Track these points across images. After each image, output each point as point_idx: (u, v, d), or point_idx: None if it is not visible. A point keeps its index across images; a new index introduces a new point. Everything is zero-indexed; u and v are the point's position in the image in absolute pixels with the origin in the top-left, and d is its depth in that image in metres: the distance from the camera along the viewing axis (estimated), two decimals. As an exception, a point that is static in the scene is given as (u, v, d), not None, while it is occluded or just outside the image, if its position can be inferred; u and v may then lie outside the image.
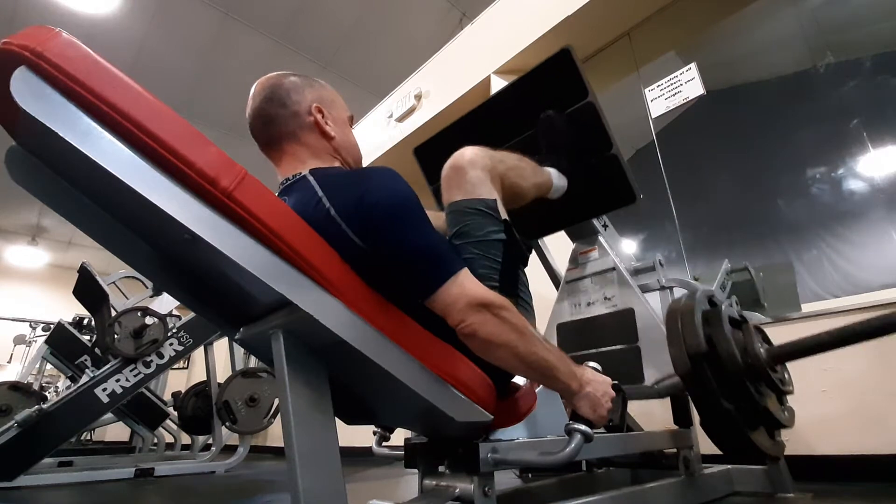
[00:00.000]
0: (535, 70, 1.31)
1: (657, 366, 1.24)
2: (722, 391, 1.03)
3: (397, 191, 0.75)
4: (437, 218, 1.10)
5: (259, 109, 0.89)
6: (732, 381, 1.03)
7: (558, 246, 1.70)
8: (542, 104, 1.29)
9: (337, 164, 0.92)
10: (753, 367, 1.04)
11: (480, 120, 1.46)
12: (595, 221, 1.47)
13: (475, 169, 0.89)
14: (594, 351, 1.36)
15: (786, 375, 1.16)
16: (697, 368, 1.04)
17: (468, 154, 0.91)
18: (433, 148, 1.55)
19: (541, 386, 1.07)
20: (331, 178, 0.81)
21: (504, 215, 0.90)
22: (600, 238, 1.47)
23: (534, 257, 1.58)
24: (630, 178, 1.29)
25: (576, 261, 1.51)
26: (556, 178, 1.21)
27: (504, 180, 0.96)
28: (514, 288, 0.89)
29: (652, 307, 1.32)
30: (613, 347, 1.33)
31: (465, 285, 0.73)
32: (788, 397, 1.18)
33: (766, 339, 1.15)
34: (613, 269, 1.40)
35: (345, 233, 0.72)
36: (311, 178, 0.80)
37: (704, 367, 1.03)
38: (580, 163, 1.28)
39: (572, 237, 1.55)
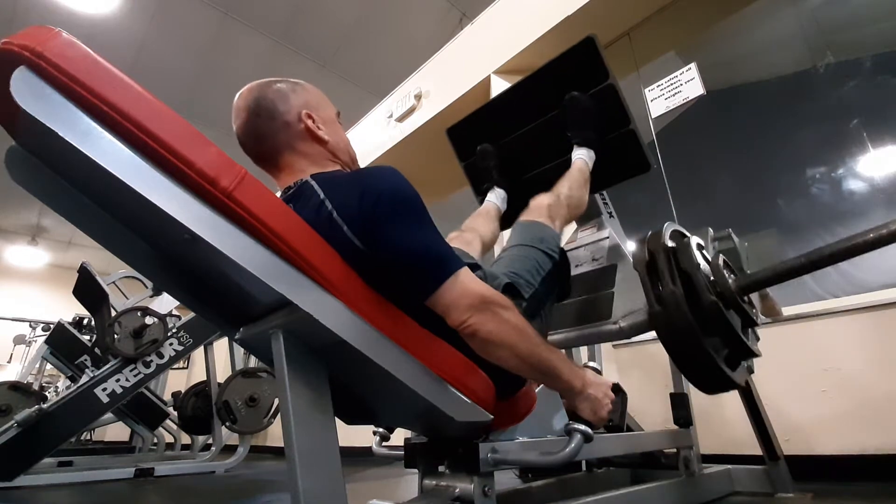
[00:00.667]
0: (561, 56, 1.41)
1: (627, 306, 1.23)
2: (693, 318, 0.99)
3: (398, 189, 0.74)
4: (479, 217, 1.43)
5: (247, 125, 0.87)
6: (702, 308, 1.00)
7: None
8: (567, 87, 1.40)
9: (336, 167, 0.91)
10: (724, 296, 1.01)
11: (508, 103, 1.57)
12: (602, 208, 1.54)
13: (547, 215, 1.19)
14: (568, 301, 1.36)
15: (754, 308, 1.15)
16: (668, 298, 1.00)
17: (545, 200, 1.21)
18: (465, 129, 1.67)
19: (541, 386, 1.07)
20: (332, 180, 0.80)
21: (562, 244, 1.14)
22: (602, 217, 1.52)
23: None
24: (645, 150, 1.40)
25: (575, 238, 1.57)
26: (588, 160, 1.37)
27: (568, 217, 1.26)
28: (542, 302, 1.02)
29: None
30: (587, 296, 1.35)
31: (466, 283, 0.73)
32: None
33: (732, 271, 1.13)
34: (607, 237, 1.46)
35: (346, 234, 0.72)
36: (313, 183, 0.80)
37: (674, 296, 1.00)
38: (603, 136, 1.41)
39: (578, 222, 1.60)
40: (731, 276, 1.07)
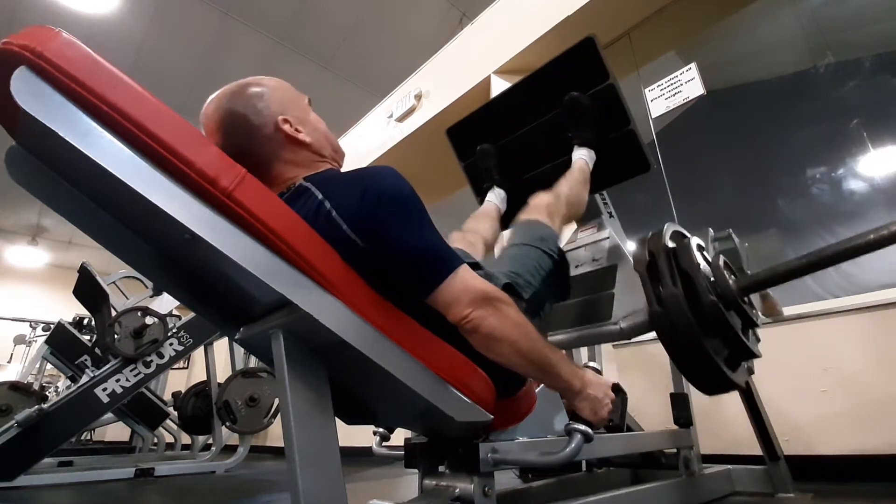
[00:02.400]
0: (561, 56, 1.42)
1: (627, 307, 1.23)
2: (693, 320, 0.99)
3: (398, 188, 0.74)
4: (479, 218, 1.42)
5: (225, 143, 0.81)
6: (703, 309, 0.99)
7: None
8: (567, 87, 1.40)
9: (326, 165, 0.89)
10: (725, 297, 1.01)
11: (508, 103, 1.57)
12: (602, 209, 1.54)
13: (546, 214, 1.18)
14: (568, 301, 1.35)
15: (755, 310, 1.15)
16: (668, 299, 1.00)
17: (545, 199, 1.20)
18: (465, 129, 1.68)
19: (541, 386, 1.07)
20: (329, 181, 0.80)
21: (561, 243, 1.14)
22: (602, 218, 1.52)
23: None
24: (645, 150, 1.40)
25: (574, 238, 1.57)
26: (588, 160, 1.37)
27: (568, 216, 1.26)
28: (542, 302, 1.02)
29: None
30: (587, 297, 1.35)
31: (468, 280, 0.73)
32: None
33: (733, 271, 1.13)
34: (607, 237, 1.46)
35: (346, 233, 0.72)
36: (308, 184, 0.79)
37: (676, 297, 0.99)
38: (603, 137, 1.40)
39: (578, 222, 1.60)
40: (732, 276, 1.07)
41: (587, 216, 1.56)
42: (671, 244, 1.10)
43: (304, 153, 0.86)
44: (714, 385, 1.05)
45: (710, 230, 1.65)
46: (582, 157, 1.37)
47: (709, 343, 1.00)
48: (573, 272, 1.46)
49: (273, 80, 0.89)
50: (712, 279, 1.05)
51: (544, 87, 1.47)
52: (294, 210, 0.75)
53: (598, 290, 1.34)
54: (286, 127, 0.84)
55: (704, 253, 1.12)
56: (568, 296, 1.24)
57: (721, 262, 1.08)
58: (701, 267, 1.04)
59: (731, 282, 1.03)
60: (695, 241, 1.11)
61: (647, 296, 1.05)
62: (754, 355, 1.09)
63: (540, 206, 1.21)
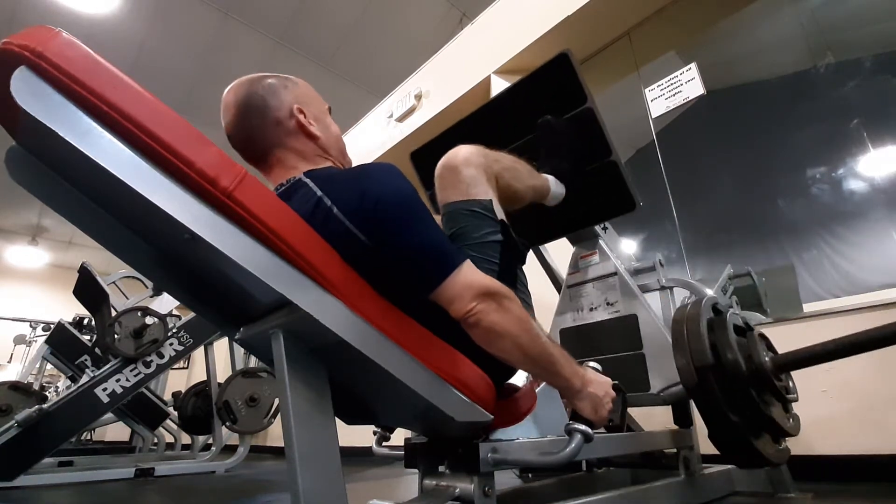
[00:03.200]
0: (534, 74, 1.30)
1: (662, 373, 1.24)
2: (727, 400, 1.03)
3: (399, 186, 0.75)
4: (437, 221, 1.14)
5: (237, 124, 0.85)
6: (737, 389, 1.03)
7: (558, 248, 1.71)
8: (541, 109, 1.27)
9: (328, 164, 0.90)
10: (758, 376, 1.04)
11: (478, 124, 1.44)
12: (595, 225, 1.47)
13: (469, 167, 0.88)
14: (599, 357, 1.35)
15: (790, 384, 1.16)
16: (703, 378, 1.04)
17: (462, 153, 0.90)
18: (430, 152, 1.52)
19: (541, 386, 1.07)
20: (329, 177, 0.80)
21: (501, 215, 0.89)
22: (601, 242, 1.46)
23: (532, 260, 1.58)
24: (629, 185, 1.27)
25: (577, 265, 1.50)
26: (553, 185, 1.20)
27: (499, 180, 0.94)
28: (514, 288, 0.88)
29: (655, 312, 1.32)
30: (618, 354, 1.33)
31: (470, 276, 0.73)
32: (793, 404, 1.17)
33: (770, 347, 1.16)
34: (615, 273, 1.39)
35: (349, 230, 0.72)
36: (307, 180, 0.80)
37: (710, 376, 1.03)
38: (579, 168, 1.27)
39: (572, 241, 1.55)
40: (768, 353, 1.09)
41: (582, 237, 1.48)
42: (708, 315, 1.11)
43: (311, 145, 0.88)
44: (750, 464, 1.10)
45: (729, 267, 1.65)
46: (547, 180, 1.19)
47: (742, 421, 1.03)
48: (588, 316, 1.42)
49: (300, 80, 0.93)
50: (748, 355, 1.07)
51: (517, 107, 1.33)
52: (291, 205, 0.75)
53: (624, 346, 1.31)
54: (300, 116, 0.87)
55: (737, 322, 1.13)
56: (524, 259, 0.96)
57: (756, 336, 1.10)
58: (735, 346, 1.06)
59: (766, 360, 1.05)
60: (731, 319, 1.11)
61: (682, 378, 1.07)
62: (788, 434, 1.11)
63: (454, 168, 0.89)
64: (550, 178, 1.20)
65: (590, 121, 1.24)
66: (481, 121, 1.44)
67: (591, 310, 1.41)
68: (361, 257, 0.72)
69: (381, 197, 0.72)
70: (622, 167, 1.26)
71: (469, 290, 0.72)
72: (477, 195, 0.87)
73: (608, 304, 1.38)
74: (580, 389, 0.83)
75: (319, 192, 0.76)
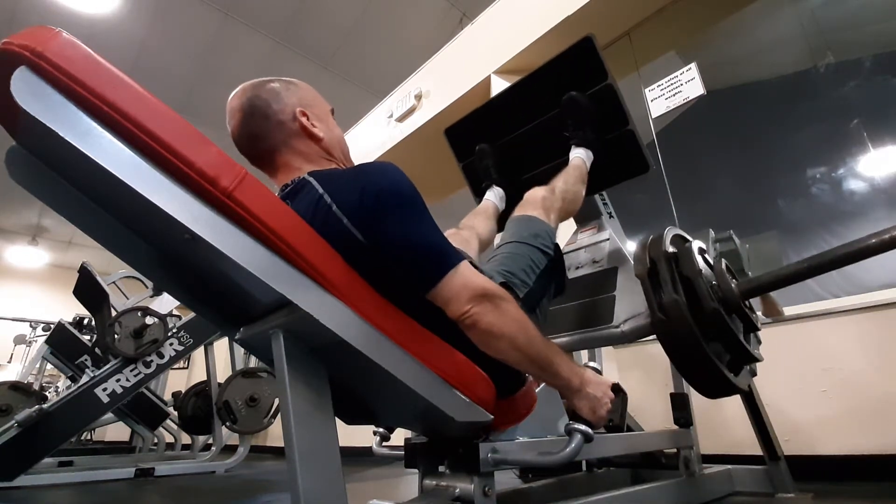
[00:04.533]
0: (559, 56, 1.40)
1: (628, 310, 1.22)
2: (699, 328, 0.99)
3: (399, 185, 0.75)
4: (477, 215, 1.41)
5: (242, 126, 0.87)
6: (707, 313, 0.99)
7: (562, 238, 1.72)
8: (565, 87, 1.39)
9: (332, 164, 0.91)
10: (726, 301, 1.02)
11: (507, 103, 1.56)
12: (602, 209, 1.53)
13: (541, 209, 1.15)
14: (569, 303, 1.37)
15: (756, 314, 1.15)
16: (670, 302, 1.00)
17: (540, 193, 1.18)
18: (463, 128, 1.66)
19: (541, 386, 1.06)
20: (331, 176, 0.81)
21: (556, 240, 1.11)
22: (602, 218, 1.51)
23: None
24: (644, 151, 1.39)
25: (575, 238, 1.56)
26: (585, 157, 1.36)
27: (563, 211, 1.23)
28: (538, 300, 1.00)
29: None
30: (590, 299, 1.34)
31: (467, 276, 0.73)
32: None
33: (734, 275, 1.13)
34: (607, 239, 1.45)
35: (346, 228, 0.72)
36: (311, 179, 0.80)
37: (677, 301, 1.00)
38: (602, 137, 1.40)
39: (578, 221, 1.59)
40: (734, 280, 1.07)
41: (587, 217, 1.55)
42: (672, 248, 1.09)
43: (314, 147, 0.89)
44: (717, 389, 1.06)
45: (711, 231, 1.65)
46: (579, 156, 1.37)
47: (711, 348, 1.00)
48: (573, 274, 1.46)
49: (305, 83, 0.96)
50: (714, 283, 1.04)
51: (543, 87, 1.46)
52: (294, 204, 0.75)
53: (598, 292, 1.34)
54: (303, 118, 0.88)
55: (706, 256, 1.12)
56: (563, 292, 1.21)
57: (723, 266, 1.08)
58: (702, 271, 1.03)
59: (732, 286, 1.03)
60: (696, 244, 1.11)
61: (649, 302, 1.04)
62: (756, 360, 1.09)
63: (535, 200, 1.19)
64: (582, 152, 1.38)
65: (610, 95, 1.36)
66: (510, 100, 1.55)
67: (578, 268, 1.47)
68: (360, 256, 0.72)
69: (380, 193, 0.72)
70: (638, 135, 1.38)
71: (466, 290, 0.72)
72: (550, 222, 1.14)
73: (594, 262, 1.44)
74: (579, 389, 0.83)
75: (321, 191, 0.76)
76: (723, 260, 1.10)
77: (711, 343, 1.01)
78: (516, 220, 1.15)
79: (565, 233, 1.68)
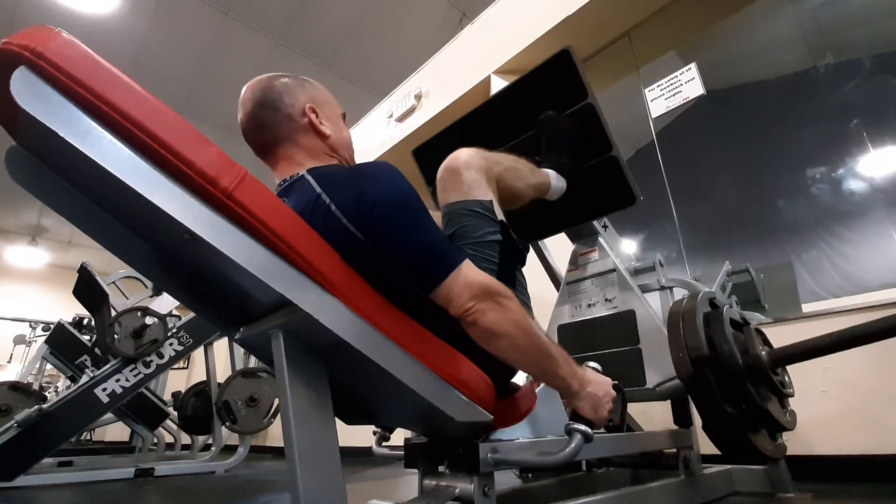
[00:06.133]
0: (535, 71, 1.31)
1: (658, 368, 1.23)
2: (723, 394, 1.03)
3: (398, 185, 0.75)
4: (436, 219, 1.12)
5: (251, 115, 0.88)
6: (734, 383, 1.03)
7: (558, 246, 1.70)
8: (542, 105, 1.29)
9: (335, 162, 0.91)
10: (755, 370, 1.04)
11: (480, 121, 1.45)
12: (595, 222, 1.47)
13: (470, 170, 0.89)
14: (595, 353, 1.36)
15: (786, 378, 1.16)
16: (699, 371, 1.04)
17: (463, 156, 0.90)
18: (432, 149, 1.54)
19: (541, 386, 1.07)
20: (329, 175, 0.81)
21: (500, 216, 0.90)
22: (600, 239, 1.46)
23: (533, 258, 1.57)
24: (630, 180, 1.28)
25: (576, 262, 1.50)
26: (554, 180, 1.20)
27: (500, 182, 0.96)
28: (512, 289, 0.88)
29: (653, 308, 1.32)
30: (615, 349, 1.33)
31: (469, 275, 0.74)
32: (789, 399, 1.18)
33: (766, 342, 1.16)
34: (614, 270, 1.40)
35: (346, 228, 0.72)
36: (308, 178, 0.80)
37: (706, 369, 1.03)
38: (580, 163, 1.28)
39: (572, 238, 1.55)
40: (764, 348, 1.09)
41: (582, 234, 1.49)
42: (704, 309, 1.12)
43: (319, 143, 0.90)
44: (746, 457, 1.13)
45: (728, 264, 1.65)
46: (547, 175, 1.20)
47: (739, 415, 1.04)
48: (586, 313, 1.42)
49: (320, 84, 0.96)
50: (744, 349, 1.07)
51: (518, 105, 1.35)
52: (290, 201, 0.75)
53: (621, 341, 1.31)
54: (312, 115, 0.89)
55: (733, 316, 1.13)
56: (525, 253, 0.95)
57: (753, 332, 1.11)
58: (731, 339, 1.06)
59: (763, 354, 1.05)
60: (727, 313, 1.12)
61: (678, 371, 1.08)
62: (785, 429, 1.11)
63: (455, 172, 0.90)
64: (551, 172, 1.20)
65: (591, 116, 1.25)
66: (483, 117, 1.45)
67: (590, 306, 1.42)
68: (360, 256, 0.72)
69: (379, 197, 0.72)
70: (622, 162, 1.27)
71: (468, 289, 0.72)
72: (478, 196, 0.88)
73: (606, 300, 1.39)
74: (579, 389, 0.83)
75: (319, 190, 0.76)
76: (753, 327, 1.13)
77: (737, 407, 1.05)
78: (451, 215, 0.89)
79: (561, 249, 1.66)
